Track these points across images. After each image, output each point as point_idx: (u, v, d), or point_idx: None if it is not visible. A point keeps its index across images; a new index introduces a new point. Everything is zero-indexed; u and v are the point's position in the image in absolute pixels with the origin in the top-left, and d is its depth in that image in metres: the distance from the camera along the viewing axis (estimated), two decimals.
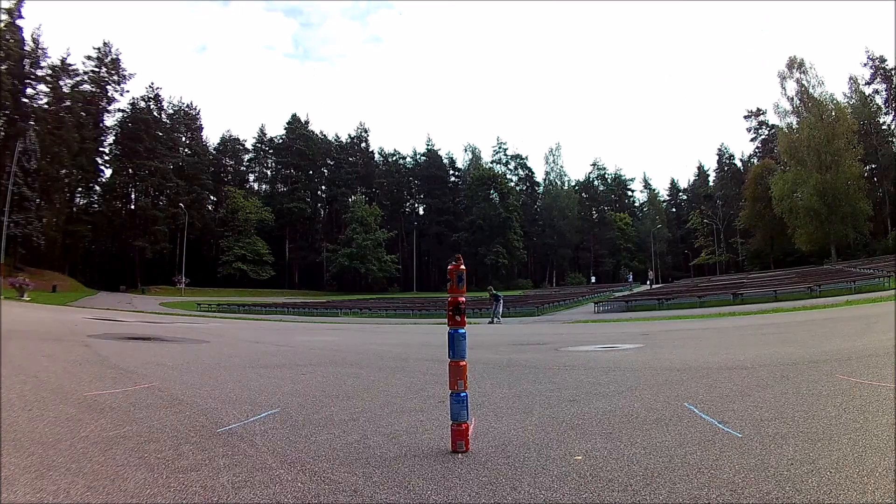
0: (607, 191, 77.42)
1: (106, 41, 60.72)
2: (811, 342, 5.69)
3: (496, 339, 8.86)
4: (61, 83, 49.78)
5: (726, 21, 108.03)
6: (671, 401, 2.75)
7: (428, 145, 73.91)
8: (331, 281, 63.98)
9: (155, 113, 59.45)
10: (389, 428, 2.32)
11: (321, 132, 71.52)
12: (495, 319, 18.07)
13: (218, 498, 1.48)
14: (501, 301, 19.62)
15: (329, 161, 70.75)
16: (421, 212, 73.65)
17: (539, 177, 74.72)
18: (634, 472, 1.64)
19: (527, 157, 74.81)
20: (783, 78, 45.58)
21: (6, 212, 36.37)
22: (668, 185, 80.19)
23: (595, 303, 25.48)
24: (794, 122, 44.78)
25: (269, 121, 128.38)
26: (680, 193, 77.63)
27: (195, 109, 65.21)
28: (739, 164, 66.52)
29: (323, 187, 71.35)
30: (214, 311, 30.04)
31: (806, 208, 41.59)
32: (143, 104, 58.01)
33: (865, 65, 49.35)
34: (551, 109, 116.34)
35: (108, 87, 55.74)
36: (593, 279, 60.12)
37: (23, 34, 43.57)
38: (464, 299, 1.98)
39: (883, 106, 48.88)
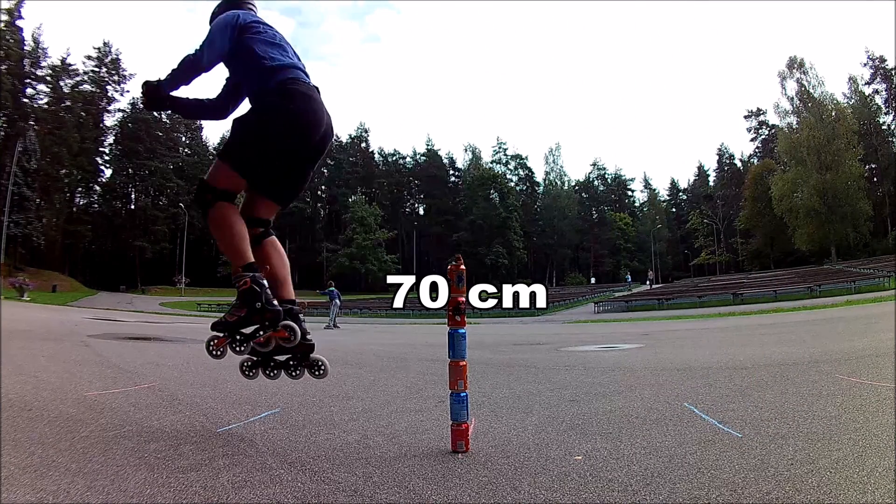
0: (607, 191, 77.36)
1: (106, 41, 60.71)
2: (811, 342, 5.69)
3: (496, 339, 8.86)
4: (61, 83, 49.83)
5: (726, 21, 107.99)
6: (671, 401, 2.75)
7: (428, 145, 73.87)
8: (331, 281, 63.99)
9: (155, 113, 59.46)
10: (389, 428, 2.32)
11: None
12: (332, 323, 14.89)
13: (218, 498, 1.48)
14: (337, 301, 15.93)
15: (329, 161, 70.72)
16: (421, 212, 73.62)
17: (539, 177, 74.65)
18: (634, 472, 1.64)
19: (527, 157, 74.61)
20: (783, 78, 45.73)
21: (6, 212, 36.39)
22: (668, 185, 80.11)
23: (595, 303, 25.53)
24: (794, 123, 44.85)
25: None
26: (680, 193, 77.60)
27: None
28: (739, 164, 66.55)
29: (323, 187, 71.34)
30: (215, 311, 30.05)
31: (806, 208, 41.64)
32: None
33: (865, 65, 49.39)
34: (551, 109, 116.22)
35: (108, 87, 55.76)
36: (593, 279, 60.14)
37: (23, 34, 43.68)
38: (464, 299, 1.98)
39: (883, 106, 48.90)
